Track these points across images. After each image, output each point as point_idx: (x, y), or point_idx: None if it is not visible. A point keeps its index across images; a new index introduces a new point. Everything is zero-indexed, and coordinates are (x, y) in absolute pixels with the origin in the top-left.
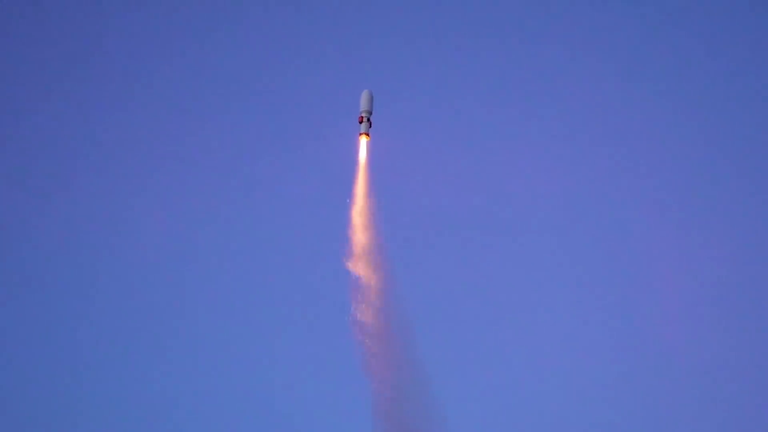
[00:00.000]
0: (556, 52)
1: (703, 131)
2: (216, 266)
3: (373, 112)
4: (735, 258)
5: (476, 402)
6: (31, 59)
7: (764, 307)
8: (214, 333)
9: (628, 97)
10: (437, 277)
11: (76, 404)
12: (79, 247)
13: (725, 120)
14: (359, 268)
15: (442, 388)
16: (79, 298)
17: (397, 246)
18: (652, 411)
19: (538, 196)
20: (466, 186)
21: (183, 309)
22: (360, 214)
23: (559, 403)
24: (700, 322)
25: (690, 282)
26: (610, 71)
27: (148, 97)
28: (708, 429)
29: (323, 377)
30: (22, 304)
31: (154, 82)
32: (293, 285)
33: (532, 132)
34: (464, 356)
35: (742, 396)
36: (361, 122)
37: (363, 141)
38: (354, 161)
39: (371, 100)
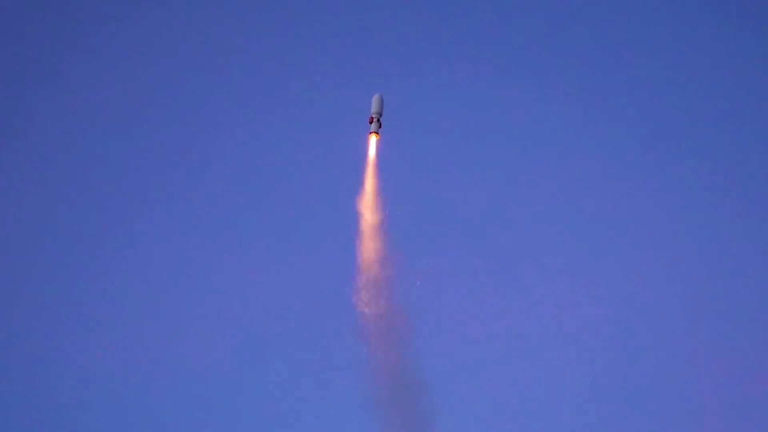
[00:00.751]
0: (564, 54)
1: (703, 132)
2: (223, 263)
3: (383, 114)
4: (735, 258)
5: (475, 401)
6: (32, 59)
7: (764, 308)
8: (217, 333)
9: (642, 104)
10: (443, 269)
11: (77, 404)
12: (99, 246)
13: (725, 120)
14: (366, 248)
15: (442, 385)
16: (94, 298)
17: (404, 235)
18: (652, 413)
19: (542, 194)
20: (472, 183)
21: (188, 309)
22: (368, 205)
23: (559, 404)
24: (700, 323)
25: (690, 282)
26: (615, 72)
27: (161, 103)
28: (708, 429)
29: (324, 378)
30: (23, 303)
31: (172, 88)
32: (301, 276)
33: (540, 134)
34: (467, 354)
35: (742, 396)
36: (371, 122)
37: (373, 139)
38: (364, 158)
39: (382, 103)
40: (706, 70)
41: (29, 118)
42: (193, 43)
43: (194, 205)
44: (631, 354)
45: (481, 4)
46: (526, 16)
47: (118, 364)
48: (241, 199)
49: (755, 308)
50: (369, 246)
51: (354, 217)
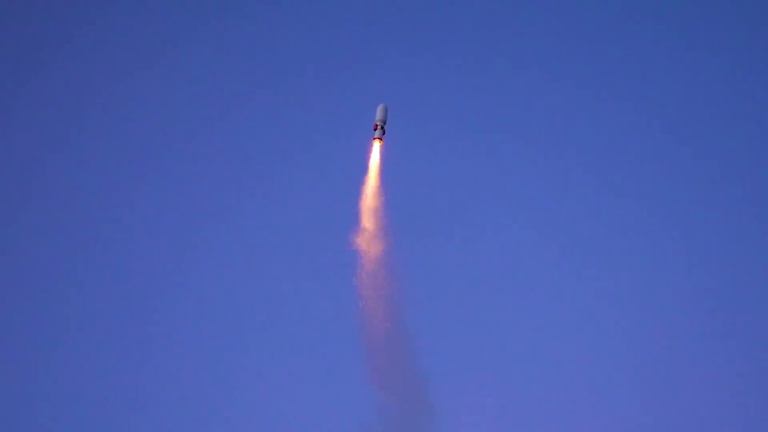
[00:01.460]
0: (563, 61)
1: (702, 132)
2: (228, 266)
3: (387, 122)
4: (735, 259)
5: (474, 400)
6: (32, 60)
7: (764, 308)
8: (222, 332)
9: (639, 112)
10: (441, 268)
11: (77, 404)
12: (99, 245)
13: (725, 121)
14: (364, 244)
15: (442, 384)
16: (96, 298)
17: (403, 232)
18: (650, 412)
19: (541, 197)
20: (468, 183)
21: (194, 309)
22: (371, 204)
23: (558, 404)
24: (699, 324)
25: (690, 283)
26: (610, 77)
27: (168, 108)
28: (708, 429)
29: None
30: (23, 304)
31: (178, 93)
32: (303, 277)
33: (538, 140)
34: (466, 354)
35: (742, 397)
36: (375, 129)
37: (376, 144)
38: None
39: (386, 111)
40: (706, 70)
41: (29, 117)
42: (202, 51)
43: (196, 206)
44: (630, 353)
45: (484, 19)
46: (529, 28)
47: (118, 363)
48: (249, 196)
49: (756, 308)
50: (368, 236)
51: (356, 213)
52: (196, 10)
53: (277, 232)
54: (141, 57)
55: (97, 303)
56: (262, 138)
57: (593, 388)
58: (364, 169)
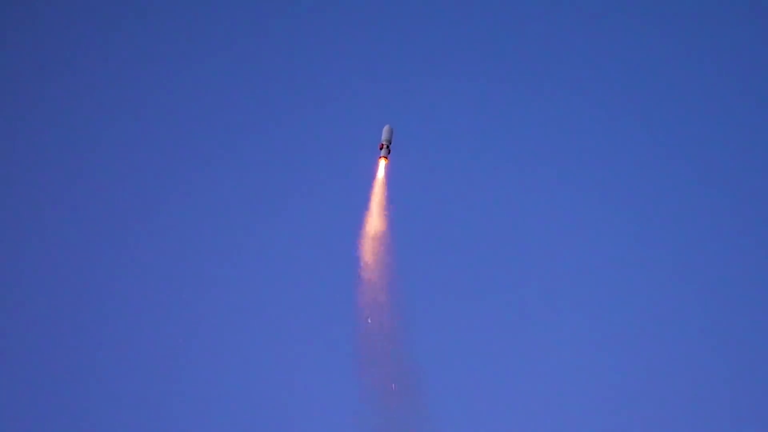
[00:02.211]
0: (566, 73)
1: (703, 133)
2: (234, 275)
3: (392, 142)
4: (735, 259)
5: (472, 400)
6: (32, 61)
7: (764, 308)
8: (221, 335)
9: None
10: (443, 282)
11: (77, 404)
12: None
13: (725, 122)
14: (368, 254)
15: (439, 386)
16: (98, 298)
17: (407, 247)
18: (649, 413)
19: (538, 202)
20: (473, 198)
21: (194, 315)
22: (376, 220)
23: (558, 405)
24: (699, 325)
25: (689, 284)
26: (618, 86)
27: (176, 120)
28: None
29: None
30: (23, 304)
31: (189, 109)
32: (307, 283)
33: (536, 147)
34: (466, 359)
35: (742, 397)
36: (381, 149)
37: (382, 162)
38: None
39: (391, 132)
40: (705, 70)
41: (29, 117)
42: (211, 62)
43: (201, 215)
44: (630, 356)
45: (490, 32)
46: (534, 41)
47: (118, 364)
48: (258, 207)
49: (755, 308)
50: (370, 250)
51: (361, 227)
52: (202, 30)
53: (285, 244)
54: (142, 70)
55: (98, 304)
56: (269, 151)
57: (595, 393)
58: (370, 183)
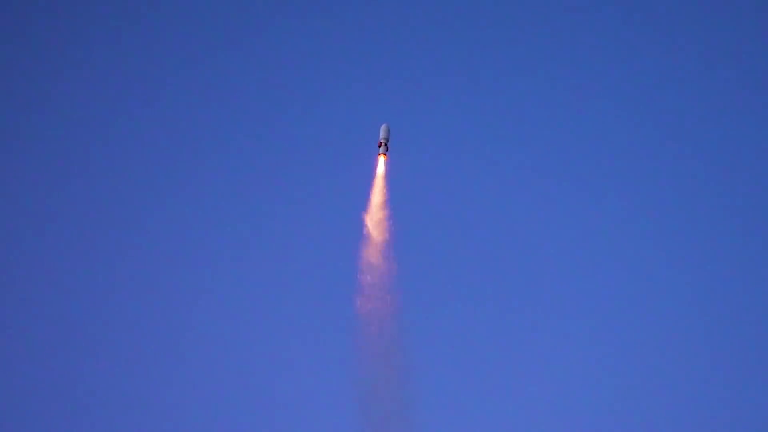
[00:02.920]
0: (564, 71)
1: (702, 133)
2: (236, 273)
3: (390, 140)
4: (735, 259)
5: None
6: (33, 61)
7: (764, 308)
8: (221, 337)
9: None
10: (443, 276)
11: (79, 404)
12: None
13: (725, 121)
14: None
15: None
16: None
17: (407, 243)
18: (649, 414)
19: (536, 198)
20: (469, 191)
21: (193, 315)
22: (376, 213)
23: (559, 405)
24: (698, 325)
25: (689, 284)
26: (615, 84)
27: (180, 124)
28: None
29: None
30: (23, 304)
31: (191, 111)
32: (307, 280)
33: (532, 144)
34: (465, 355)
35: (742, 397)
36: (380, 146)
37: (381, 159)
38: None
39: (388, 130)
40: (706, 69)
41: (28, 117)
42: (216, 66)
43: (200, 218)
44: (630, 356)
45: (486, 29)
46: (530, 38)
47: (119, 362)
48: (260, 207)
49: (756, 308)
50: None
51: (362, 219)
52: (201, 31)
53: (285, 242)
54: (142, 70)
55: (100, 304)
56: (269, 151)
57: (597, 393)
58: (371, 178)
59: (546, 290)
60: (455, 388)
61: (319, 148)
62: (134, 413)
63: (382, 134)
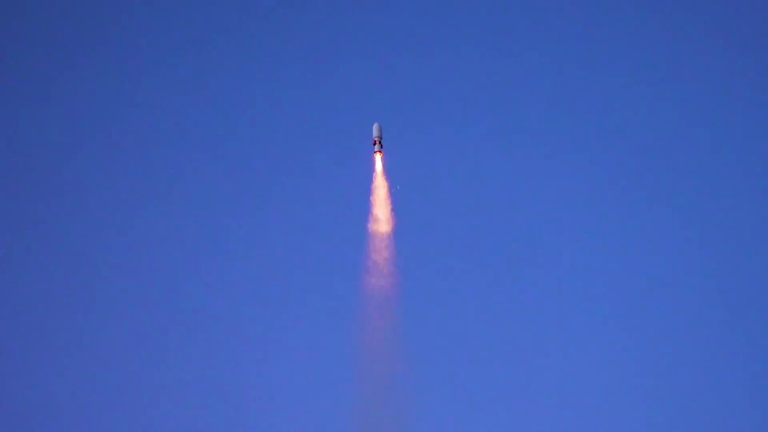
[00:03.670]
0: (559, 62)
1: (702, 132)
2: (242, 273)
3: (382, 137)
4: (735, 259)
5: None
6: (33, 61)
7: (763, 308)
8: (221, 338)
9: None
10: (444, 268)
11: (79, 404)
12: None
13: (724, 121)
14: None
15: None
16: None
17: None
18: (650, 414)
19: (537, 200)
20: (464, 182)
21: (194, 314)
22: (380, 207)
23: (561, 406)
24: (698, 325)
25: (688, 284)
26: (611, 79)
27: (181, 126)
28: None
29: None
30: (22, 304)
31: (190, 115)
32: (312, 274)
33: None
34: (465, 355)
35: (741, 397)
36: (374, 144)
37: (378, 156)
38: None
39: (380, 129)
40: (705, 70)
41: (28, 117)
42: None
43: (200, 216)
44: (631, 357)
45: (481, 37)
46: (524, 32)
47: (120, 362)
48: (262, 204)
49: (755, 309)
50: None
51: (365, 212)
52: (194, 36)
53: (287, 238)
54: (135, 68)
55: (104, 303)
56: (268, 149)
57: (599, 394)
58: (370, 174)
59: (545, 284)
60: (456, 387)
61: (317, 145)
62: (134, 413)
63: (374, 133)
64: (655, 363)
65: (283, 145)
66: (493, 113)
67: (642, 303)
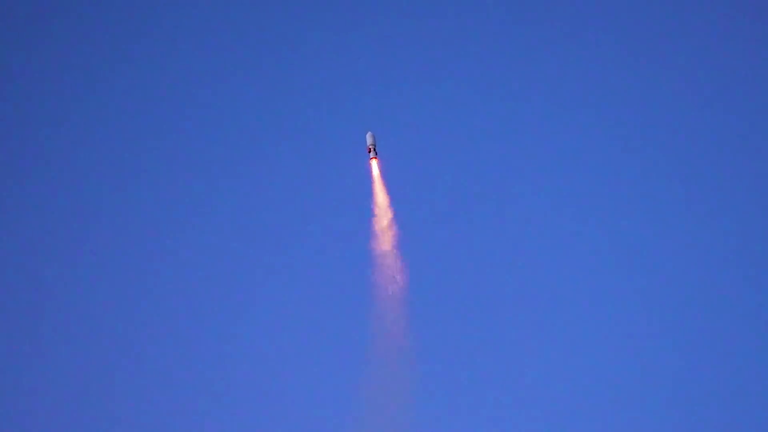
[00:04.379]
0: (555, 60)
1: (701, 132)
2: (249, 277)
3: (376, 144)
4: (735, 258)
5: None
6: (33, 62)
7: (763, 307)
8: (222, 338)
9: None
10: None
11: (77, 404)
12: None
13: (724, 121)
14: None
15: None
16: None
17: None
18: (651, 414)
19: (533, 196)
20: (459, 180)
21: (194, 313)
22: (381, 209)
23: (556, 403)
24: (698, 325)
25: (687, 283)
26: (606, 79)
27: (180, 132)
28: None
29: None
30: (22, 303)
31: (189, 121)
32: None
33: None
34: (465, 352)
35: (741, 396)
36: (369, 152)
37: (374, 162)
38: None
39: (373, 137)
40: (705, 70)
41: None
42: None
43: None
44: (630, 357)
45: (479, 37)
46: (523, 41)
47: (122, 362)
48: (271, 207)
49: (755, 308)
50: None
51: (367, 216)
52: (190, 49)
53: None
54: (135, 71)
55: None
56: (270, 151)
57: (602, 394)
58: (368, 179)
59: (546, 287)
60: (457, 387)
61: (315, 150)
62: (134, 413)
63: (368, 141)
64: (660, 363)
65: (283, 146)
66: (493, 114)
67: (651, 301)
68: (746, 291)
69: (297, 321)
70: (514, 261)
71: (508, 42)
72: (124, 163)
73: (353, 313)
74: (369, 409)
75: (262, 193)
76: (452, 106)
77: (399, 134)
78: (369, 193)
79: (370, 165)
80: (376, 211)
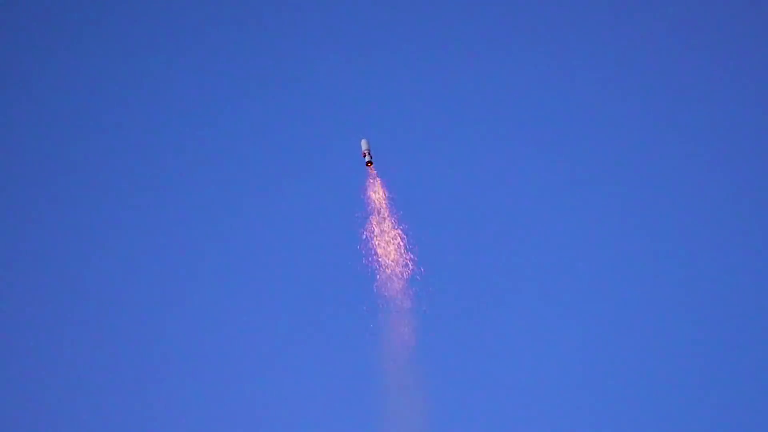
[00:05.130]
0: (555, 56)
1: (701, 132)
2: (246, 284)
3: (371, 150)
4: (734, 258)
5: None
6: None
7: (763, 307)
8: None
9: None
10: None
11: (77, 404)
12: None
13: (724, 120)
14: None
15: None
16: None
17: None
18: (651, 415)
19: (538, 199)
20: (456, 182)
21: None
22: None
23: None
24: (698, 325)
25: (689, 284)
26: (606, 77)
27: (180, 132)
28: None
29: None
30: (21, 303)
31: (188, 125)
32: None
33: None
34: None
35: (740, 396)
36: (364, 157)
37: (370, 167)
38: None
39: (368, 143)
40: (705, 69)
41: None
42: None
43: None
44: (631, 357)
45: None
46: (521, 41)
47: (122, 362)
48: (264, 208)
49: (755, 308)
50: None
51: (366, 213)
52: (184, 53)
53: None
54: (131, 67)
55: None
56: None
57: (603, 395)
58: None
59: (546, 289)
60: (457, 387)
61: (312, 151)
62: (134, 413)
63: (363, 147)
64: (664, 362)
65: (283, 147)
66: (493, 114)
67: (644, 303)
68: (746, 291)
69: (297, 321)
70: (514, 261)
71: (509, 42)
72: (124, 163)
73: (353, 313)
74: (369, 408)
75: (262, 193)
76: (453, 106)
77: (396, 139)
78: (364, 199)
79: (367, 170)
80: (374, 215)
